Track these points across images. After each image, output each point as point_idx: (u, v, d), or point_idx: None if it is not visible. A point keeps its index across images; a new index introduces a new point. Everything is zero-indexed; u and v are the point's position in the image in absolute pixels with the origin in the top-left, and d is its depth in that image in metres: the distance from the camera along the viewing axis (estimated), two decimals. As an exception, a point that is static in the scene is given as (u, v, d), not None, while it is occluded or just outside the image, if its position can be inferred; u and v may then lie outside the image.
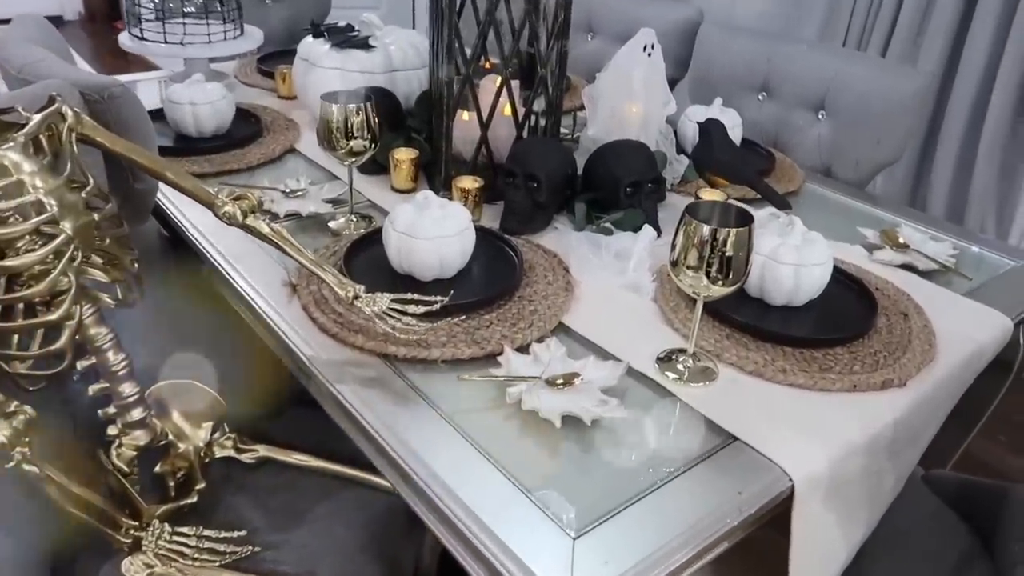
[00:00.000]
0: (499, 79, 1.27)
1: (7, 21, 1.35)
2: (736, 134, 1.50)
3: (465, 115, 1.35)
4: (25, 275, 0.80)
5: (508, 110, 1.31)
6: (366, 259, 1.09)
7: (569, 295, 1.05)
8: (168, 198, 1.27)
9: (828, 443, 0.83)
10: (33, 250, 0.78)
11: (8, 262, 0.77)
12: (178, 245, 1.27)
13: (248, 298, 1.04)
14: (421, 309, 0.89)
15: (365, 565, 1.01)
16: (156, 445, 1.02)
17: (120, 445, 0.97)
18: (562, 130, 1.57)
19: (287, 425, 1.18)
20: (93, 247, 0.89)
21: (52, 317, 0.82)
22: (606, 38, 2.07)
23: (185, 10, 1.64)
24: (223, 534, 0.98)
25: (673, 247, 0.85)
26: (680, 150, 1.46)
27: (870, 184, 1.67)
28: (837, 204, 1.45)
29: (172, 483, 1.05)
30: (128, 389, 0.97)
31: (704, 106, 1.51)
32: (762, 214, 1.19)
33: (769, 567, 0.86)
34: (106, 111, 1.06)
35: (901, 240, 1.25)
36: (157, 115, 1.47)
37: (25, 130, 0.78)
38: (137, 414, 0.98)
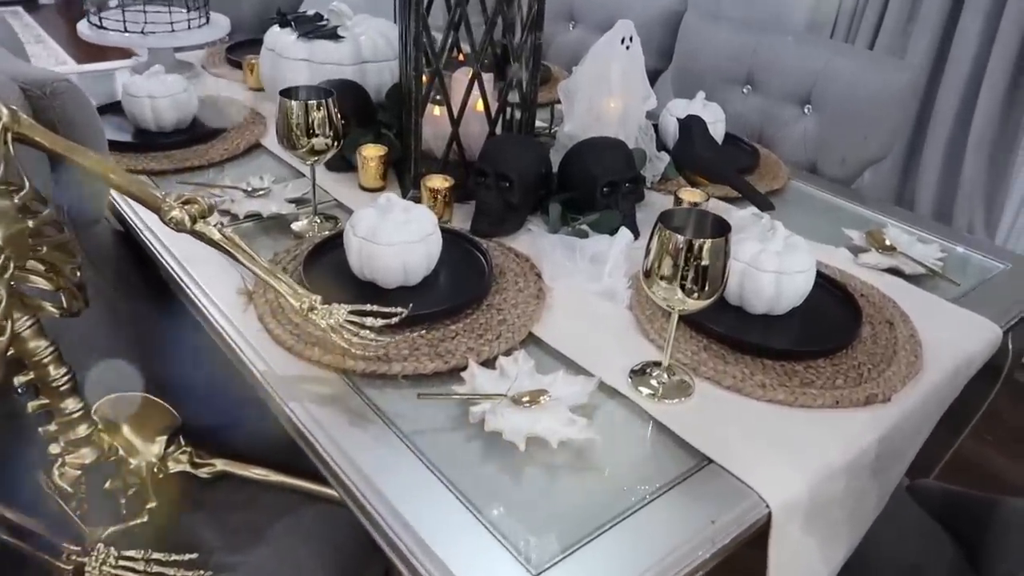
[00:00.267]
0: (472, 72, 1.21)
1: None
2: (719, 129, 1.45)
3: (436, 110, 1.29)
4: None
5: (480, 105, 1.25)
6: (328, 264, 1.04)
7: (540, 303, 1.00)
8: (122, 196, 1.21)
9: (808, 465, 0.79)
10: (-47, 263, 0.73)
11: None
12: (136, 245, 1.21)
13: (200, 305, 0.98)
14: (380, 322, 0.84)
15: (326, 587, 0.96)
16: (105, 461, 0.97)
17: (63, 464, 0.92)
18: (540, 124, 1.52)
19: (248, 437, 1.12)
20: (28, 256, 0.84)
21: (-21, 334, 0.77)
22: (588, 27, 2.01)
23: (148, -4, 1.57)
24: (174, 557, 0.93)
25: (646, 257, 0.80)
26: (661, 146, 1.41)
27: (858, 181, 1.63)
28: (822, 203, 1.40)
29: (123, 500, 0.99)
30: (72, 405, 0.92)
31: (686, 100, 1.46)
32: (744, 214, 1.15)
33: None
34: (49, 108, 1.00)
35: (887, 242, 1.20)
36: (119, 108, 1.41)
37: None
38: (83, 431, 0.93)
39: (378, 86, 1.46)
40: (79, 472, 0.92)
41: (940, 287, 1.13)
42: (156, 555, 0.93)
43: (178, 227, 0.87)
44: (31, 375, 0.88)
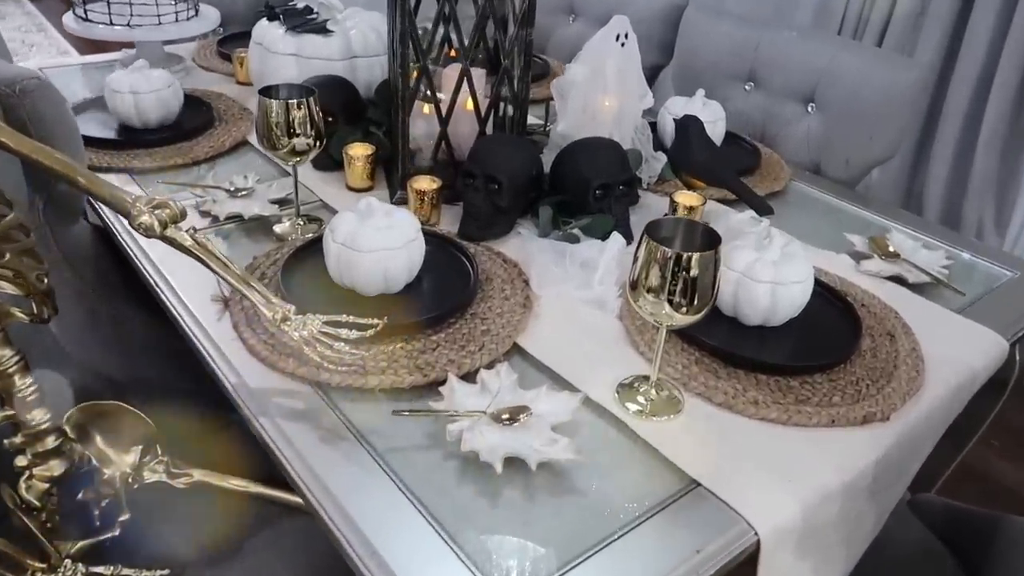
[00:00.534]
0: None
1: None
2: (719, 128, 1.40)
3: (426, 108, 1.25)
4: None
5: (471, 104, 1.21)
6: (309, 269, 1.00)
7: (527, 312, 0.97)
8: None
9: (800, 489, 0.75)
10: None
11: None
12: (115, 247, 1.18)
13: (174, 312, 0.95)
14: (354, 335, 0.80)
15: (302, 604, 0.93)
16: (76, 472, 0.94)
17: (31, 477, 0.89)
18: (536, 121, 1.47)
19: (227, 447, 1.09)
20: (-11, 262, 0.81)
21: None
22: (588, 20, 1.96)
23: (135, -13, 1.53)
24: (145, 573, 0.90)
25: (632, 269, 0.76)
26: (659, 146, 1.37)
27: (866, 178, 1.58)
28: (825, 205, 1.36)
29: (97, 512, 0.97)
30: (39, 416, 0.89)
31: (685, 98, 1.41)
32: (743, 217, 1.11)
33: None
34: (19, 106, 0.97)
35: (891, 248, 1.16)
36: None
37: None
38: (51, 442, 0.90)
39: (369, 82, 1.42)
40: (47, 485, 0.90)
41: (945, 296, 1.08)
42: (126, 571, 0.90)
43: (147, 233, 0.83)
44: (-5, 386, 0.85)
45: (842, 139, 1.48)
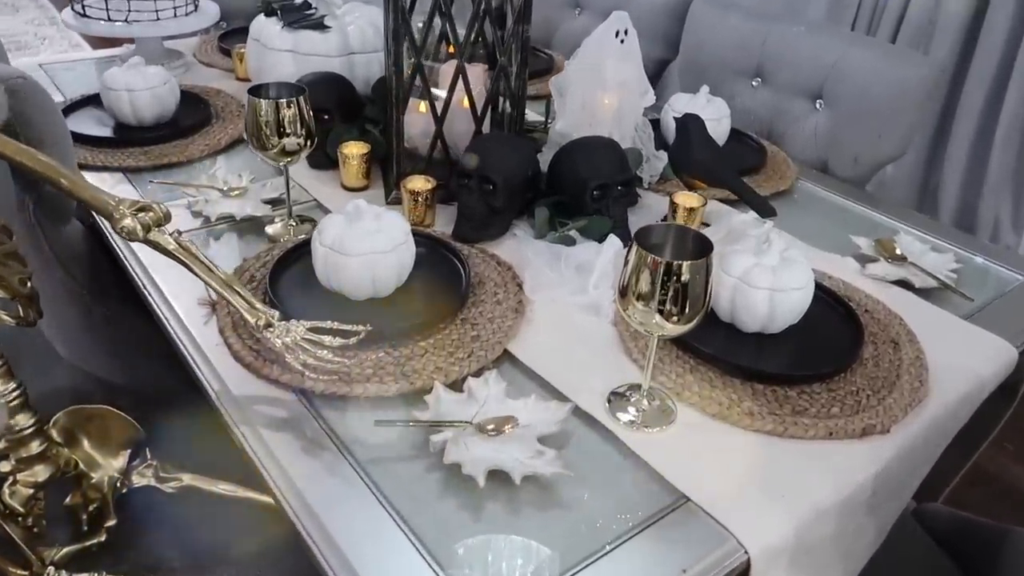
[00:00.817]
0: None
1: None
2: (724, 126, 1.37)
3: (422, 106, 1.23)
4: None
5: (467, 101, 1.18)
6: (298, 272, 0.99)
7: (519, 317, 0.94)
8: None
9: (794, 505, 0.73)
10: None
11: None
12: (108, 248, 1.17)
13: (161, 315, 0.94)
14: (338, 342, 0.78)
15: (290, 612, 0.92)
16: (63, 477, 0.93)
17: (15, 483, 0.88)
18: (537, 117, 1.45)
19: (216, 451, 1.08)
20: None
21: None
22: (594, 13, 1.92)
23: (132, -19, 1.51)
24: (129, 580, 0.89)
25: (621, 277, 0.74)
26: (662, 144, 1.34)
27: (879, 174, 1.53)
28: (831, 205, 1.32)
29: (85, 516, 0.96)
30: (23, 420, 0.88)
31: (689, 95, 1.38)
32: (745, 218, 1.08)
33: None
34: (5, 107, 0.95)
35: (898, 251, 1.12)
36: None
37: None
38: (35, 447, 0.89)
39: (366, 79, 1.40)
40: (32, 491, 0.89)
41: (952, 302, 1.05)
42: (111, 578, 0.89)
43: (130, 236, 0.81)
44: (-24, 392, 0.84)
45: (851, 137, 1.44)
